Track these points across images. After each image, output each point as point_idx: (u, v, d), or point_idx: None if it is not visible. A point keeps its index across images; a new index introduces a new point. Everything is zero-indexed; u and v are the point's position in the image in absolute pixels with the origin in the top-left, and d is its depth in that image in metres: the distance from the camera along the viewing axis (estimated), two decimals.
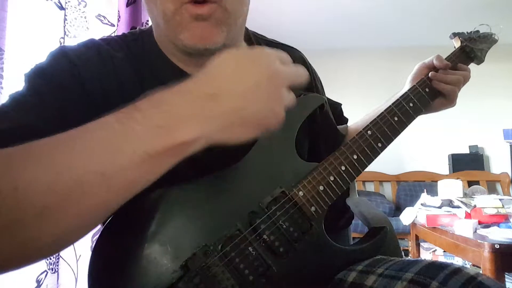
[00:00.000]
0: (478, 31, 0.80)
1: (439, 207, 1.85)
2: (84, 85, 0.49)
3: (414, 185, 3.51)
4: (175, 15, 0.47)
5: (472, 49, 0.76)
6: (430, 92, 0.69)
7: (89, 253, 1.09)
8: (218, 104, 0.34)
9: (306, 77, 0.42)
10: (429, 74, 0.70)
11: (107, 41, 0.55)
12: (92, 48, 0.53)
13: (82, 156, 0.31)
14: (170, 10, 0.47)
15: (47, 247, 0.33)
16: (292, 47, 0.69)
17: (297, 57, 0.68)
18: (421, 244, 2.40)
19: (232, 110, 0.35)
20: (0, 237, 0.30)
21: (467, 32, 0.79)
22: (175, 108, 0.33)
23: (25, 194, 0.30)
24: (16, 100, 0.44)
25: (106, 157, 0.32)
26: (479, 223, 1.61)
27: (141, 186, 0.34)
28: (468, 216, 1.70)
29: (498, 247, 1.30)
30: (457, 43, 0.78)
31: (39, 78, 0.47)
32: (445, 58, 0.73)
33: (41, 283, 0.94)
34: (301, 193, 0.52)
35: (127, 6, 1.27)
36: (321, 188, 0.53)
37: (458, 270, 0.41)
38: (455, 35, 0.79)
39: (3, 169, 0.31)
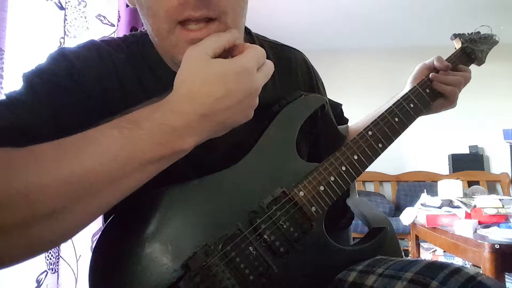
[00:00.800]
0: (479, 32, 0.80)
1: (439, 207, 1.85)
2: (83, 86, 0.49)
3: (414, 185, 3.51)
4: (170, 34, 0.45)
5: (472, 50, 0.76)
6: (431, 93, 0.69)
7: (89, 253, 1.10)
8: (210, 121, 0.40)
9: (272, 70, 0.46)
10: (430, 75, 0.70)
11: (108, 42, 0.55)
12: (92, 49, 0.53)
13: (91, 165, 0.34)
14: (164, 30, 0.45)
15: (52, 243, 0.37)
16: (294, 49, 0.69)
17: (299, 58, 0.68)
18: (421, 244, 2.40)
19: (220, 122, 0.41)
20: (9, 236, 0.32)
21: (467, 33, 0.79)
22: (174, 129, 0.38)
23: (35, 199, 0.32)
24: (11, 99, 0.44)
25: (114, 166, 0.35)
26: (479, 223, 1.61)
27: (142, 184, 0.39)
28: (468, 216, 1.70)
29: (498, 247, 1.30)
30: (457, 44, 0.78)
31: (37, 78, 0.47)
32: (446, 59, 0.73)
33: (41, 283, 0.94)
34: (301, 193, 0.52)
35: (127, 6, 1.27)
36: (322, 188, 0.54)
37: (458, 270, 0.41)
38: (455, 36, 0.79)
39: (12, 176, 0.32)
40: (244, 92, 0.40)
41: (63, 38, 1.05)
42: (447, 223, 1.73)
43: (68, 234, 0.37)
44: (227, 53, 0.44)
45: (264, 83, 0.44)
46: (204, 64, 0.39)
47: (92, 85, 0.50)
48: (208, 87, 0.39)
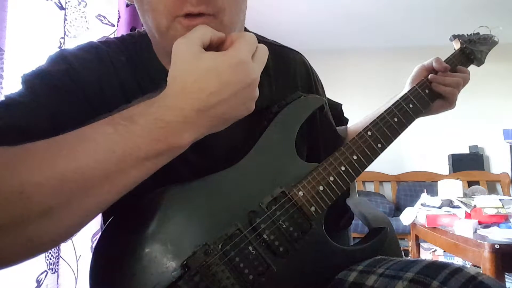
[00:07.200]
0: (478, 33, 0.80)
1: (439, 207, 1.85)
2: (83, 88, 0.49)
3: (414, 185, 3.51)
4: (169, 29, 0.45)
5: (472, 51, 0.76)
6: (430, 94, 0.69)
7: (89, 253, 1.10)
8: (207, 116, 0.39)
9: (266, 54, 0.44)
10: (429, 77, 0.70)
11: (107, 44, 0.55)
12: (92, 51, 0.53)
13: (86, 162, 0.34)
14: (163, 25, 0.45)
15: (50, 242, 0.36)
16: (293, 50, 0.69)
17: (298, 60, 0.67)
18: (421, 244, 2.40)
19: (218, 116, 0.40)
20: (5, 235, 0.31)
21: (467, 34, 0.79)
22: (170, 124, 0.37)
23: (30, 198, 0.32)
24: (10, 100, 0.44)
25: (109, 163, 0.35)
26: (479, 223, 1.61)
27: (139, 182, 0.39)
28: (468, 216, 1.70)
29: (498, 247, 1.30)
30: (457, 45, 0.78)
31: (37, 79, 0.47)
32: (445, 60, 0.73)
33: (41, 283, 0.94)
34: (301, 193, 0.52)
35: (127, 6, 1.27)
36: (321, 188, 0.54)
37: (458, 270, 0.41)
38: (455, 37, 0.79)
39: (6, 173, 0.32)
40: (239, 84, 0.39)
41: (63, 38, 1.05)
42: (447, 223, 1.73)
43: (67, 232, 0.37)
44: (219, 47, 0.43)
45: (261, 71, 0.42)
46: (196, 58, 0.38)
47: (92, 86, 0.50)
48: (201, 82, 0.38)
